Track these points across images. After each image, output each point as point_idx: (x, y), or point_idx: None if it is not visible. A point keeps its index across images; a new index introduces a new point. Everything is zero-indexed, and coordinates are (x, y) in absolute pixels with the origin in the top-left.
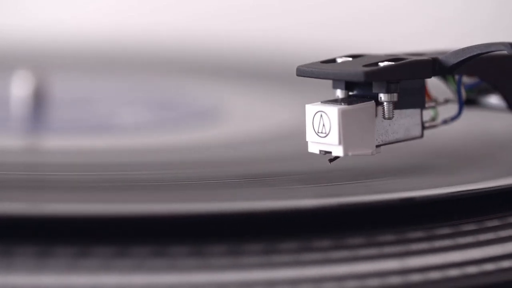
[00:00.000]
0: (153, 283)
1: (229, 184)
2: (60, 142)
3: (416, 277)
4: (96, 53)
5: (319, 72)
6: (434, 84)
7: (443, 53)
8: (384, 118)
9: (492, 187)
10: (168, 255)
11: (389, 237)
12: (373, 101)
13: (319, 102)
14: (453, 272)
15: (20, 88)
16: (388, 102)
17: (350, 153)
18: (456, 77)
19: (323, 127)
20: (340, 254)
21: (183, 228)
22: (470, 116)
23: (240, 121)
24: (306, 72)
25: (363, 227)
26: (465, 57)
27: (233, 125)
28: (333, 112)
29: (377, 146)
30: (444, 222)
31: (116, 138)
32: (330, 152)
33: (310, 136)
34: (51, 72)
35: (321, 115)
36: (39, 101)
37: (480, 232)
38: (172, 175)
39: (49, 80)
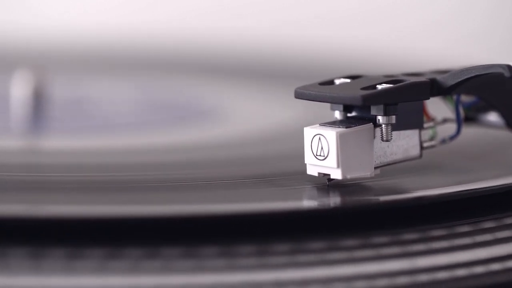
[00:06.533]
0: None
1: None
2: (60, 143)
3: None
4: (96, 53)
5: (317, 95)
6: (433, 101)
7: (441, 72)
8: (382, 140)
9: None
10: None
11: (463, 228)
12: (371, 123)
13: (318, 125)
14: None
15: (20, 88)
16: (386, 124)
17: (348, 176)
18: (454, 96)
19: (321, 150)
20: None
21: (321, 223)
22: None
23: (240, 121)
24: (304, 94)
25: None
26: (463, 78)
27: (233, 125)
28: (331, 135)
29: (376, 167)
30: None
31: (116, 139)
32: (329, 175)
33: (309, 158)
34: (51, 72)
35: (319, 138)
36: (39, 101)
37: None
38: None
39: (49, 80)
